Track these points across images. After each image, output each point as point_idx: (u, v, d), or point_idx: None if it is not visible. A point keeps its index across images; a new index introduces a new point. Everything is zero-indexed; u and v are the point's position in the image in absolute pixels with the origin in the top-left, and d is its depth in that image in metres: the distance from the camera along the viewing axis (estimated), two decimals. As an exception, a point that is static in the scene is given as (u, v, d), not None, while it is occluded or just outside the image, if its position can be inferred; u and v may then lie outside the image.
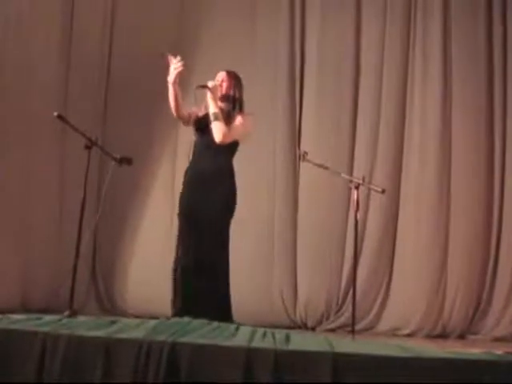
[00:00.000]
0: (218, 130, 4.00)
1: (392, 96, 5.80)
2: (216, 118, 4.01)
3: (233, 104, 4.15)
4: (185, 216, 4.06)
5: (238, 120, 4.10)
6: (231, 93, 4.16)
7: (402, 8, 5.84)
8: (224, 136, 4.00)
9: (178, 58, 4.02)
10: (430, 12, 5.76)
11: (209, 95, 4.06)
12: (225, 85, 4.16)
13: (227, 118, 4.07)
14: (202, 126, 4.11)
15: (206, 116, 4.09)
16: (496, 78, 5.62)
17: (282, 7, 6.07)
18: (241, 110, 4.16)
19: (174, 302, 4.01)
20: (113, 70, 6.22)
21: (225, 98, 4.14)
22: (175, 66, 3.99)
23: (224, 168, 4.08)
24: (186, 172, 4.15)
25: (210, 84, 4.08)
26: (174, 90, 4.02)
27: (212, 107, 4.04)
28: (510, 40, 5.59)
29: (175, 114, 4.12)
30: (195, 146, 4.16)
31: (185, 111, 4.14)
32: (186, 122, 4.20)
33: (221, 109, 4.07)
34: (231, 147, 4.12)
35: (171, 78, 4.01)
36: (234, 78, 4.22)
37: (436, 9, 5.74)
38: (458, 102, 5.65)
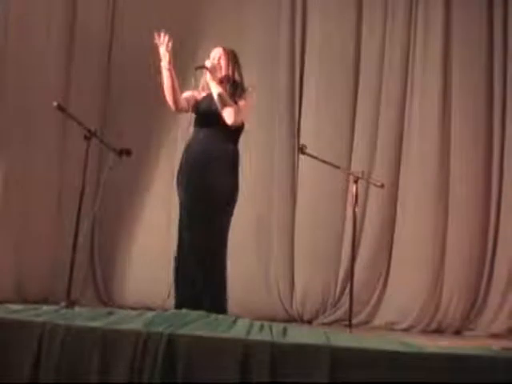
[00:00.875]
0: (229, 112, 3.82)
1: (392, 91, 5.79)
2: (223, 100, 3.82)
3: (234, 83, 3.98)
4: (183, 204, 3.89)
5: (244, 98, 3.93)
6: (230, 72, 3.98)
7: (404, 8, 5.83)
8: (236, 116, 3.82)
9: (164, 36, 3.79)
10: (433, 5, 5.74)
11: (208, 76, 3.89)
12: (223, 63, 3.98)
13: (231, 98, 3.88)
14: (202, 109, 3.95)
15: (207, 98, 3.93)
16: (495, 77, 5.61)
17: (282, 7, 6.05)
18: (242, 88, 3.99)
19: (176, 291, 3.88)
20: (113, 64, 6.20)
21: (225, 78, 3.95)
22: (164, 46, 3.79)
23: (229, 152, 3.90)
24: (185, 153, 3.95)
25: (209, 64, 3.90)
26: (171, 76, 3.81)
27: (215, 88, 3.85)
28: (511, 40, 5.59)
29: (174, 107, 3.92)
30: (196, 131, 3.96)
31: (183, 100, 3.94)
32: (186, 110, 4.01)
33: (224, 89, 3.87)
34: (237, 131, 3.95)
35: (165, 60, 3.80)
36: (231, 55, 4.03)
37: (438, 3, 5.72)
38: (458, 96, 5.65)
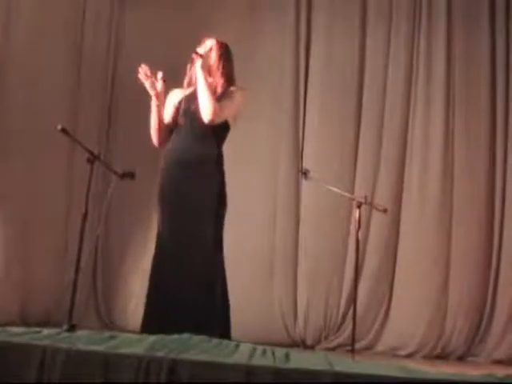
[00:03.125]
0: (207, 107, 3.53)
1: (395, 114, 5.81)
2: (206, 93, 3.53)
3: (223, 78, 3.69)
4: (163, 211, 3.64)
5: (229, 95, 3.65)
6: (221, 65, 3.69)
7: (407, 21, 5.86)
8: (214, 114, 3.52)
9: (148, 71, 3.66)
10: (435, 22, 5.79)
11: (199, 63, 3.60)
12: (214, 55, 3.70)
13: (216, 93, 3.62)
14: (182, 110, 3.68)
15: (188, 98, 3.69)
16: (499, 91, 5.63)
17: (287, 23, 6.10)
18: (232, 85, 3.71)
19: (145, 310, 3.59)
20: (118, 85, 6.26)
21: (216, 69, 3.68)
22: (148, 80, 3.65)
23: (211, 156, 3.64)
24: (164, 159, 3.70)
25: (202, 51, 3.64)
26: (158, 113, 3.65)
27: (201, 79, 3.57)
28: None
29: (157, 144, 3.71)
30: (176, 131, 3.69)
31: (168, 135, 3.70)
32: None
33: (210, 83, 3.61)
34: (220, 131, 3.67)
35: (153, 95, 3.63)
36: (225, 48, 3.75)
37: (440, 17, 5.77)
38: (461, 121, 5.66)
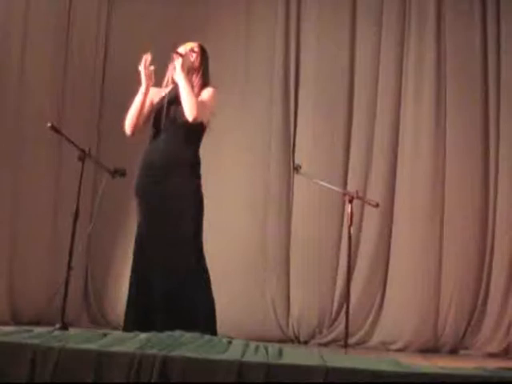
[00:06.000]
0: (191, 105, 3.59)
1: (386, 110, 5.81)
2: (187, 91, 3.61)
3: (202, 78, 3.80)
4: (140, 210, 3.71)
5: (207, 94, 3.73)
6: (200, 65, 3.81)
7: (397, 22, 5.87)
8: (198, 111, 3.59)
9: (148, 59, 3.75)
10: (425, 15, 5.79)
11: (180, 62, 3.69)
12: (194, 55, 3.81)
13: (196, 92, 3.70)
14: (159, 110, 3.73)
15: (165, 98, 3.75)
16: (490, 86, 5.63)
17: (277, 23, 6.10)
18: (207, 85, 3.80)
19: (126, 311, 3.64)
20: (107, 81, 6.24)
21: (194, 69, 3.79)
22: (145, 69, 3.74)
23: (187, 158, 3.69)
24: (142, 157, 3.76)
25: (183, 51, 3.76)
26: (143, 102, 3.72)
27: (181, 78, 3.66)
28: (504, 46, 5.62)
29: (129, 131, 3.76)
30: (153, 135, 3.74)
31: (142, 126, 3.78)
32: (141, 131, 3.80)
33: (189, 81, 3.69)
34: (197, 132, 3.73)
35: (144, 84, 3.72)
36: (204, 50, 3.88)
37: (430, 11, 5.77)
38: (452, 115, 5.67)
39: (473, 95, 5.65)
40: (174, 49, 3.82)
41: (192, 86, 3.70)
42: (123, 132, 3.90)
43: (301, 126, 5.99)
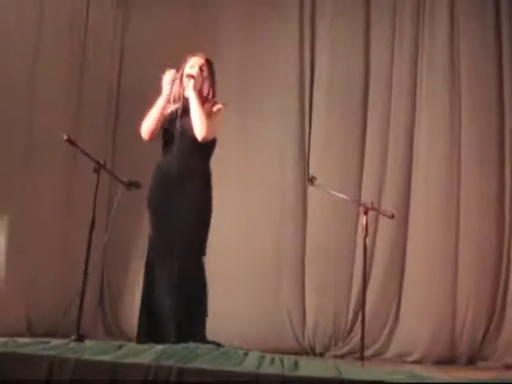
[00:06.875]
0: (202, 126, 3.73)
1: (401, 120, 5.79)
2: (200, 113, 3.74)
3: (212, 96, 3.93)
4: (151, 220, 3.87)
5: (216, 113, 3.84)
6: (210, 84, 3.93)
7: (411, 18, 5.86)
8: (208, 132, 3.73)
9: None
10: (438, 16, 5.78)
11: (192, 84, 3.83)
12: (205, 74, 3.91)
13: (206, 112, 3.81)
14: (171, 127, 3.84)
15: (174, 114, 3.85)
16: (505, 88, 5.59)
17: (291, 28, 6.12)
18: (215, 102, 3.91)
19: (139, 317, 3.76)
20: (122, 94, 6.28)
21: (203, 89, 3.90)
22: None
23: (198, 171, 3.80)
24: (156, 169, 3.89)
25: (194, 73, 3.87)
26: (163, 109, 3.84)
27: (194, 100, 3.78)
28: None
29: (147, 137, 3.87)
30: (165, 152, 3.87)
31: (158, 132, 3.89)
32: (156, 139, 3.93)
33: (202, 103, 3.81)
34: (208, 147, 3.84)
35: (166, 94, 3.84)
36: (212, 66, 3.97)
37: (443, 12, 5.75)
38: (467, 118, 5.61)
39: (487, 97, 5.60)
40: (182, 67, 3.93)
41: (203, 103, 3.81)
42: (138, 144, 3.95)
43: (315, 135, 5.99)
